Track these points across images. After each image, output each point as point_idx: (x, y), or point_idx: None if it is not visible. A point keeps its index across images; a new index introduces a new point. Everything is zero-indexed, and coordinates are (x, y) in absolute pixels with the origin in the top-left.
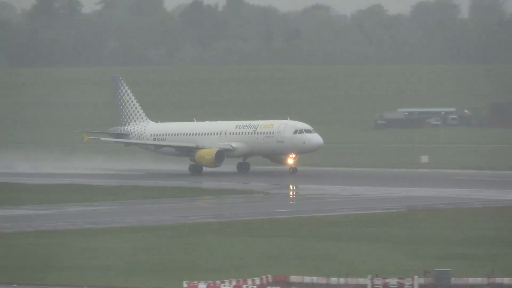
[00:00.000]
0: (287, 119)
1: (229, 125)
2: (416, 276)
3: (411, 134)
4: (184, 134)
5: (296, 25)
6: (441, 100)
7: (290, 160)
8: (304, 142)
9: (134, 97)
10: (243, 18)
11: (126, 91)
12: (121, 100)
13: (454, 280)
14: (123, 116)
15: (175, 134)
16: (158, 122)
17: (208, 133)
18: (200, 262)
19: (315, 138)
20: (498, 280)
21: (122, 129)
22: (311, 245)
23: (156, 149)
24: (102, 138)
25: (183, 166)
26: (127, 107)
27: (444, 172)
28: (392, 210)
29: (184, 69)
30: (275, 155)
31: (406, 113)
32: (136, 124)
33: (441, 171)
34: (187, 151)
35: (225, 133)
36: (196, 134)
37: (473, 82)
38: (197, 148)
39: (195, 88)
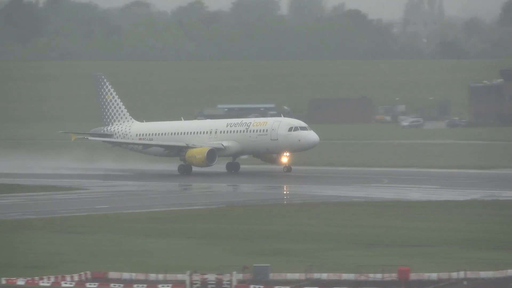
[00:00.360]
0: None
1: (220, 124)
2: (234, 272)
3: None
4: (172, 133)
5: (117, 22)
6: (261, 96)
7: (284, 158)
8: (299, 140)
9: (117, 96)
10: (63, 14)
11: (109, 90)
12: (104, 100)
13: (272, 276)
14: (107, 116)
15: (162, 134)
16: (143, 121)
17: (197, 132)
18: (19, 258)
19: (311, 135)
20: (316, 275)
21: (105, 129)
22: (129, 241)
23: (145, 148)
24: (90, 138)
25: (173, 166)
26: (111, 107)
27: (264, 168)
28: (212, 206)
29: (3, 65)
30: (268, 154)
31: (226, 109)
32: (120, 124)
33: (259, 166)
34: (176, 151)
35: (216, 132)
36: (185, 133)
37: (293, 78)
38: (187, 147)
39: (15, 84)
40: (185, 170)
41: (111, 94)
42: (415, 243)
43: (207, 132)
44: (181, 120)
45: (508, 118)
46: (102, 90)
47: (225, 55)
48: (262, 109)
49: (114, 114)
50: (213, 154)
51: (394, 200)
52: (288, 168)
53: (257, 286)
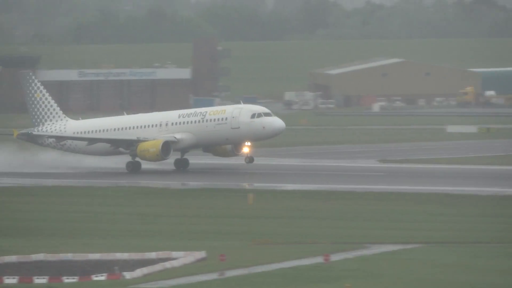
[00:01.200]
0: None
1: (170, 115)
2: None
3: None
4: (116, 129)
5: None
6: None
7: (246, 148)
8: (264, 127)
9: (48, 94)
10: None
11: (38, 87)
12: (33, 99)
13: None
14: (37, 116)
15: (105, 130)
16: (79, 119)
17: (145, 126)
18: None
19: (276, 121)
20: None
21: (36, 130)
22: None
23: (89, 145)
24: (34, 133)
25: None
26: (41, 106)
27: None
28: None
29: None
30: (221, 147)
31: None
32: (53, 123)
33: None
34: (126, 146)
35: (166, 124)
36: (131, 128)
37: None
38: (138, 141)
39: None
40: (134, 167)
41: (40, 91)
42: None
43: (156, 125)
44: (123, 115)
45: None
46: (31, 88)
47: None
48: None
49: (45, 113)
50: (168, 146)
51: None
52: (250, 159)
53: None
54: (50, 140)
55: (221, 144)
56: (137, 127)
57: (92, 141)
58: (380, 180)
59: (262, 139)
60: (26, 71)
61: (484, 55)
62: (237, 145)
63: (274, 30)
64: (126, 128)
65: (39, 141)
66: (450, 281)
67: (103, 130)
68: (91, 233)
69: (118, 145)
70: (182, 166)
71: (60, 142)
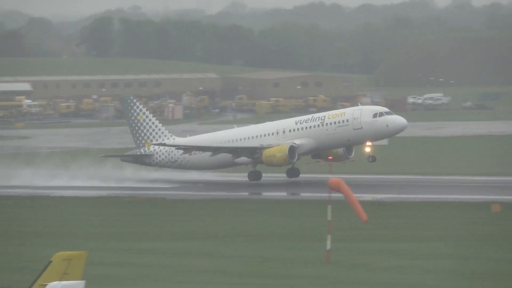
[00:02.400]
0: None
1: (287, 123)
2: None
3: None
4: (231, 141)
5: None
6: None
7: (367, 148)
8: (387, 125)
9: (152, 115)
10: None
11: (141, 110)
12: (136, 121)
13: None
14: (141, 137)
15: (219, 143)
16: (187, 136)
17: (261, 135)
18: None
19: (399, 119)
20: None
21: (143, 150)
22: None
23: (214, 155)
24: (153, 143)
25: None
26: (145, 127)
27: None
28: None
29: None
30: (347, 146)
31: None
32: (160, 142)
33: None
34: (249, 154)
35: (283, 131)
36: (246, 138)
37: None
38: (262, 148)
39: None
40: (256, 176)
41: (143, 113)
42: None
43: (273, 134)
44: (233, 127)
45: None
46: (133, 111)
47: None
48: None
49: (150, 133)
50: (293, 151)
51: None
52: (373, 158)
53: None
54: (161, 158)
55: (341, 146)
56: (253, 137)
57: (217, 150)
58: None
59: (386, 137)
60: (126, 96)
61: None
62: (358, 145)
63: None
64: (241, 139)
65: (147, 160)
66: None
67: (220, 143)
68: None
69: (241, 154)
70: (293, 175)
71: (188, 153)
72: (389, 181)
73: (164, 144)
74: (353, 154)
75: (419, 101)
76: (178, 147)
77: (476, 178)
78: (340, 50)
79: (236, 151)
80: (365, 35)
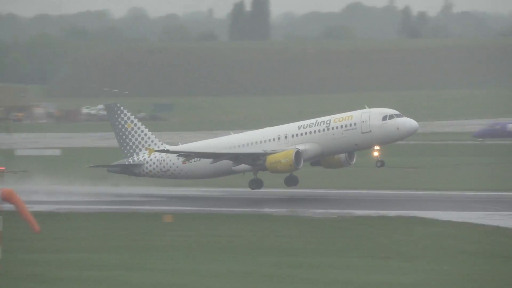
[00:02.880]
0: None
1: (289, 128)
2: None
3: None
4: (231, 147)
5: None
6: None
7: (375, 152)
8: (398, 128)
9: (140, 123)
10: None
11: (128, 117)
12: (124, 129)
13: None
14: (129, 146)
15: (218, 150)
16: (179, 144)
17: (261, 141)
18: None
19: (410, 121)
20: None
21: (132, 160)
22: None
23: (214, 162)
24: (156, 150)
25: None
26: (133, 136)
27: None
28: None
29: None
30: (333, 158)
31: None
32: (163, 149)
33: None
34: (251, 160)
35: (285, 137)
36: (246, 145)
37: None
38: (265, 154)
39: None
40: (257, 184)
41: (131, 121)
42: None
43: (274, 139)
44: (230, 134)
45: None
46: (120, 119)
47: None
48: None
49: (140, 142)
50: (299, 156)
51: None
52: (381, 163)
53: None
54: (151, 167)
55: (348, 151)
56: (253, 143)
57: (220, 157)
58: None
59: (396, 140)
60: (111, 103)
61: None
62: (367, 149)
63: None
64: (240, 146)
65: (136, 170)
66: None
67: (220, 150)
68: None
69: (243, 161)
70: (292, 183)
71: (187, 161)
72: None
73: (167, 151)
74: (355, 160)
75: (93, 112)
76: (182, 154)
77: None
78: (15, 60)
79: (237, 157)
80: (40, 46)
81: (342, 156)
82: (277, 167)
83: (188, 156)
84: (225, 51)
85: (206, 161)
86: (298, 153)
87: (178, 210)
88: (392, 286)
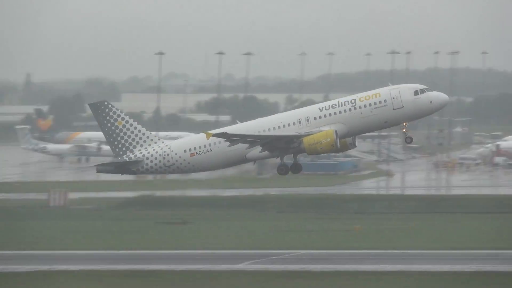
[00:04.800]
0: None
1: (310, 110)
2: None
3: None
4: (258, 131)
5: None
6: None
7: (404, 129)
8: (431, 102)
9: (132, 119)
10: None
11: (118, 115)
12: (114, 127)
13: None
14: (121, 144)
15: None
16: (178, 139)
17: (281, 126)
18: None
19: (442, 95)
20: None
21: (127, 157)
22: None
23: (249, 148)
24: (212, 133)
25: None
26: (126, 133)
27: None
28: None
29: None
30: (383, 128)
31: None
32: (148, 147)
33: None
34: (285, 143)
35: (307, 120)
36: (265, 130)
37: None
38: (300, 136)
39: None
40: (287, 169)
41: (122, 118)
42: None
43: (294, 123)
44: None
45: None
46: (108, 117)
47: None
48: None
49: (133, 139)
50: (337, 136)
51: None
52: (410, 139)
53: None
54: (153, 163)
55: (375, 130)
56: (272, 128)
57: (265, 139)
58: None
59: (428, 114)
60: (100, 100)
61: None
62: (395, 126)
63: None
64: (259, 132)
65: (133, 168)
66: None
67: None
68: None
69: (276, 145)
70: (293, 171)
71: (232, 144)
72: None
73: (226, 134)
74: (355, 144)
75: None
76: (238, 136)
77: None
78: None
79: (271, 141)
80: None
81: (349, 139)
82: (317, 148)
83: (233, 140)
84: None
85: (217, 151)
86: (336, 133)
87: None
88: None
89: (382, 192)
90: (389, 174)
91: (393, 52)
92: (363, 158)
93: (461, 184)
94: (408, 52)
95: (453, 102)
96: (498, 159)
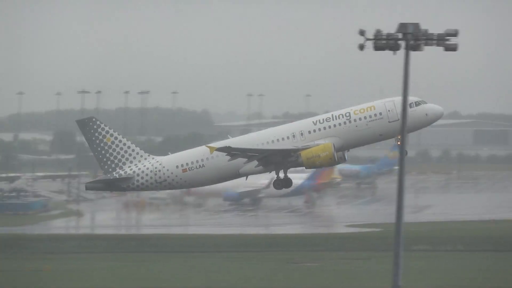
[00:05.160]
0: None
1: (303, 124)
2: None
3: None
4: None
5: None
6: None
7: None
8: (426, 114)
9: (121, 136)
10: None
11: (107, 131)
12: (102, 144)
13: None
14: (111, 161)
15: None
16: (169, 154)
17: (274, 140)
18: None
19: (437, 107)
20: None
21: (117, 174)
22: None
23: (247, 162)
24: (216, 147)
25: None
26: (115, 149)
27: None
28: None
29: None
30: (377, 141)
31: None
32: (137, 163)
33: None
34: (282, 157)
35: (301, 134)
36: (263, 144)
37: None
38: (297, 150)
39: None
40: (283, 184)
41: (111, 135)
42: None
43: (288, 137)
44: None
45: None
46: (97, 134)
47: None
48: None
49: (123, 155)
50: (334, 149)
51: None
52: (406, 152)
53: None
54: (144, 180)
55: (370, 143)
56: (266, 143)
57: (264, 153)
58: None
59: (423, 127)
60: (88, 117)
61: None
62: (390, 138)
63: None
64: (258, 146)
65: (124, 185)
66: None
67: (221, 156)
68: None
69: (272, 159)
70: (284, 186)
71: (233, 159)
72: None
73: (230, 148)
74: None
75: None
76: (241, 150)
77: None
78: None
79: (273, 154)
80: None
81: (340, 153)
82: (316, 162)
83: (233, 155)
84: None
85: (210, 166)
86: (333, 146)
87: None
88: None
89: (72, 231)
90: (78, 213)
91: (83, 92)
92: (53, 198)
93: (151, 223)
94: (99, 92)
95: (144, 141)
96: (188, 198)
